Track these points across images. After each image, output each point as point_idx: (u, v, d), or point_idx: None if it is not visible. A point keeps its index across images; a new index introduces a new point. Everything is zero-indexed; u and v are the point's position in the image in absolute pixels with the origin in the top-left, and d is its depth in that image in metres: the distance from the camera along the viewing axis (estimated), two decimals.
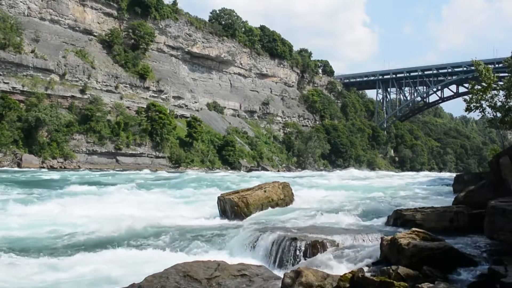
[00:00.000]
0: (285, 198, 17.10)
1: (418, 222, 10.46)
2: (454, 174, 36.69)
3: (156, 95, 76.36)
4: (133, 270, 8.80)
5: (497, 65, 65.81)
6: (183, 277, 7.12)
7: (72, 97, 62.74)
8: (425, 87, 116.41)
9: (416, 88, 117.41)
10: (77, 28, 70.05)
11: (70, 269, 9.12)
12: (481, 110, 25.15)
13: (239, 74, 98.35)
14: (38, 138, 54.75)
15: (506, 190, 10.36)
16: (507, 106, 24.19)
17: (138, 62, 74.53)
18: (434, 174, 71.40)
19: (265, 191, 16.37)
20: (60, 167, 53.94)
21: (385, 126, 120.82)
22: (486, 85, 24.01)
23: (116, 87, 69.60)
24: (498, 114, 24.93)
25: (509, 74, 30.14)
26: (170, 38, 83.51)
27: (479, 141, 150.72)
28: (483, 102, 24.63)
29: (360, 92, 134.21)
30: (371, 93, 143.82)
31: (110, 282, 8.09)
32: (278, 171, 77.06)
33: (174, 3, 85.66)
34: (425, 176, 56.60)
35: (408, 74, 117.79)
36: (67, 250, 10.88)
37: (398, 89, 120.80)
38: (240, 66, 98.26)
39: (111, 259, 9.94)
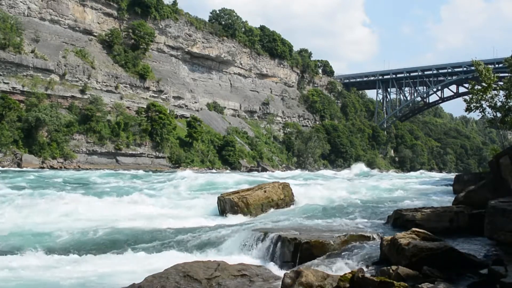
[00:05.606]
0: (285, 198, 17.11)
1: (418, 222, 10.44)
2: (452, 175, 36.68)
3: (156, 95, 76.36)
4: (133, 270, 8.80)
5: (497, 65, 65.86)
6: (183, 277, 7.12)
7: (72, 97, 62.74)
8: (425, 87, 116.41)
9: (416, 88, 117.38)
10: (77, 28, 70.04)
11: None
12: (481, 110, 25.20)
13: (239, 74, 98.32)
14: (38, 138, 54.74)
15: (506, 190, 10.34)
16: (507, 106, 24.23)
17: (138, 62, 74.52)
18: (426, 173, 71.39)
19: (265, 191, 16.38)
20: (60, 167, 53.91)
21: (385, 126, 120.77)
22: (486, 85, 24.04)
23: (116, 87, 69.59)
24: (498, 114, 24.96)
25: (509, 74, 30.19)
26: (170, 38, 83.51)
27: (479, 141, 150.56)
28: (483, 102, 24.67)
29: (360, 92, 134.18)
30: (371, 93, 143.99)
31: (109, 282, 8.09)
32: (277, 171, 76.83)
33: (174, 3, 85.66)
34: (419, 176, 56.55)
35: (408, 74, 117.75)
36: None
37: (398, 89, 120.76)
38: (240, 66, 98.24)
39: (111, 259, 9.94)
